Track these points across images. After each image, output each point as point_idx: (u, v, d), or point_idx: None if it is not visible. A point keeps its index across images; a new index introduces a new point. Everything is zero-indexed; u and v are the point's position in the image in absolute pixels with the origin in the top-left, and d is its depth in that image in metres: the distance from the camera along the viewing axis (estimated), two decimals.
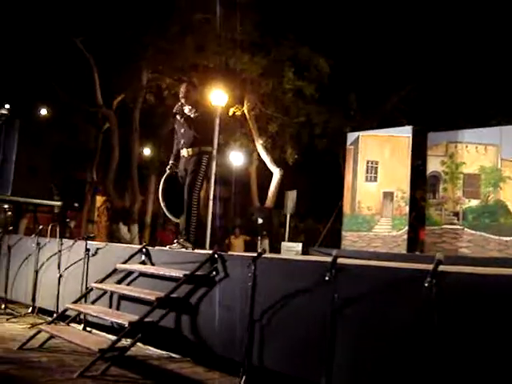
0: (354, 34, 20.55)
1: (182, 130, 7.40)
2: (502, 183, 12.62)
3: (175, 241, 7.34)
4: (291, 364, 4.78)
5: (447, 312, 3.67)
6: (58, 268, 7.81)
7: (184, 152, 7.37)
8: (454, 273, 3.96)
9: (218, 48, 18.48)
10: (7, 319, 7.90)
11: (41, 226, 9.17)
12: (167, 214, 7.51)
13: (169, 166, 7.61)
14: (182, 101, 7.42)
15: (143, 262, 6.88)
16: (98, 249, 7.66)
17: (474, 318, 3.69)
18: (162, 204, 7.42)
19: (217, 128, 16.27)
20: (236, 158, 23.94)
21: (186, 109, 7.33)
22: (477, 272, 4.30)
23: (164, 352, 6.20)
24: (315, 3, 20.24)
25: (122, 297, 6.61)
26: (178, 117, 7.47)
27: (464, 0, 19.27)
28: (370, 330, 4.24)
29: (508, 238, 12.25)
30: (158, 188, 7.57)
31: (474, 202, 13.00)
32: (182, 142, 7.41)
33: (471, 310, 3.72)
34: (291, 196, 18.61)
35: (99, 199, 25.78)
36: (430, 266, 3.73)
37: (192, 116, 7.26)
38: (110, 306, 6.79)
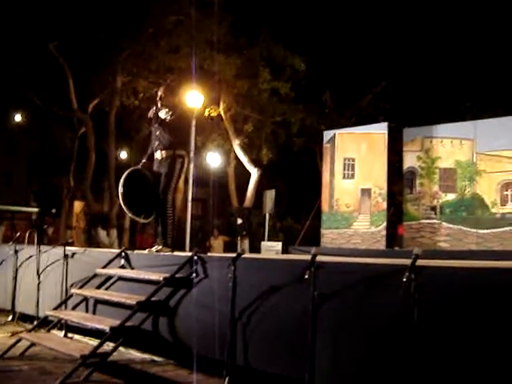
0: (326, 31, 20.65)
1: (157, 133, 7.37)
2: (477, 177, 12.74)
3: (154, 245, 7.31)
4: (274, 362, 4.79)
5: (426, 306, 3.69)
6: (37, 274, 7.75)
7: (158, 154, 7.34)
8: (432, 267, 4.00)
9: (192, 50, 18.43)
10: None
11: (18, 233, 9.09)
12: (127, 212, 7.34)
13: (139, 164, 7.53)
14: (159, 104, 7.40)
15: (123, 266, 6.85)
16: (76, 254, 7.61)
17: (453, 311, 3.73)
18: (122, 202, 7.19)
19: (193, 129, 16.25)
20: (213, 159, 23.93)
21: (163, 112, 7.32)
22: (455, 265, 4.34)
23: (147, 355, 6.18)
24: (288, 3, 20.29)
25: (103, 301, 6.58)
26: (153, 121, 7.45)
27: None
28: (351, 326, 4.26)
29: (485, 231, 12.38)
30: (120, 183, 7.30)
31: (451, 196, 13.12)
32: (156, 143, 7.38)
33: (450, 303, 3.76)
34: (270, 195, 18.66)
35: (77, 204, 25.63)
36: (409, 261, 3.77)
37: (168, 119, 7.25)
38: (92, 312, 6.75)
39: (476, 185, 12.75)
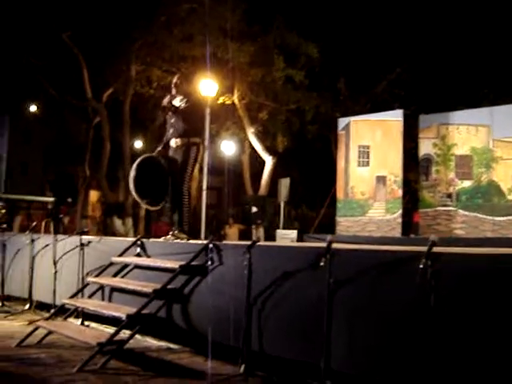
0: (341, 18, 20.52)
1: (172, 121, 7.37)
2: (493, 163, 12.64)
3: (169, 233, 7.32)
4: (290, 348, 4.80)
5: (442, 292, 3.68)
6: (54, 263, 7.80)
7: (173, 142, 7.32)
8: (449, 254, 3.98)
9: (206, 37, 18.41)
10: (5, 317, 7.89)
11: (34, 223, 9.15)
12: (135, 195, 7.28)
13: (155, 152, 7.52)
14: (173, 91, 7.40)
15: (138, 255, 6.88)
16: (92, 243, 7.65)
17: (469, 297, 3.71)
18: (132, 186, 7.15)
19: (207, 118, 16.24)
20: (228, 148, 23.93)
21: (177, 99, 7.32)
22: (471, 252, 4.31)
23: (163, 343, 6.21)
24: None
25: (119, 290, 6.61)
26: (167, 109, 7.44)
27: None
28: (367, 313, 4.26)
29: (501, 218, 12.30)
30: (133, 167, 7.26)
31: (467, 183, 13.03)
32: (170, 131, 7.37)
33: (466, 290, 3.74)
34: (284, 184, 18.63)
35: (93, 193, 25.76)
36: (425, 248, 3.75)
37: (182, 107, 7.25)
38: (108, 300, 6.79)
39: (492, 171, 12.65)
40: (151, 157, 7.46)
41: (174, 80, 7.54)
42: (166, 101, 7.51)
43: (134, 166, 7.21)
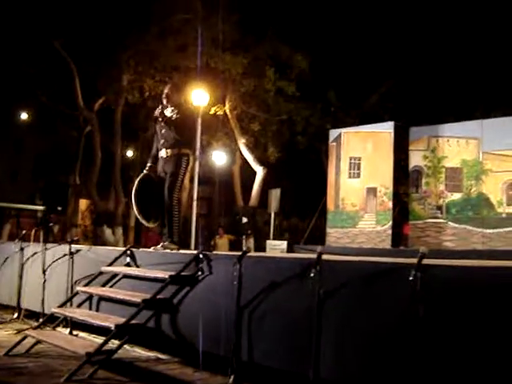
0: (332, 31, 20.62)
1: (163, 131, 7.37)
2: (483, 176, 12.71)
3: (160, 244, 7.31)
4: (279, 358, 4.79)
5: (432, 305, 3.70)
6: (43, 272, 7.76)
7: (163, 153, 7.33)
8: (438, 266, 3.99)
9: (199, 48, 18.45)
10: None
11: (24, 231, 9.11)
12: (139, 217, 7.44)
13: (146, 168, 7.57)
14: (164, 102, 7.41)
15: (128, 264, 6.86)
16: (82, 252, 7.62)
17: (459, 310, 3.72)
18: (135, 207, 7.37)
19: (199, 128, 16.26)
20: (219, 158, 23.95)
21: (168, 110, 7.33)
22: (461, 264, 4.33)
23: (152, 353, 6.18)
24: (294, 2, 20.27)
25: (108, 299, 6.58)
26: (159, 119, 7.44)
27: None
28: (356, 324, 4.26)
29: (491, 231, 12.35)
30: (133, 187, 7.47)
31: (457, 196, 13.10)
32: (161, 142, 7.38)
33: (456, 302, 3.75)
34: (275, 194, 18.65)
35: (83, 202, 25.68)
36: (415, 260, 3.77)
37: (173, 117, 7.25)
38: (96, 309, 6.76)
39: (482, 184, 12.72)
40: (145, 175, 7.51)
41: (166, 90, 7.55)
42: (157, 111, 7.53)
43: (134, 191, 7.36)
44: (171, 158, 7.28)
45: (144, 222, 7.45)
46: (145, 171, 7.56)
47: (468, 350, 3.61)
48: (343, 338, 4.32)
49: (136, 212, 7.39)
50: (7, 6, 18.44)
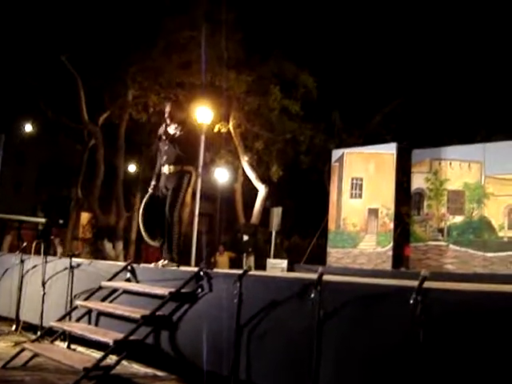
0: (338, 51, 20.71)
1: (166, 148, 7.40)
2: (485, 199, 12.72)
3: (160, 261, 7.31)
4: (278, 379, 4.77)
5: (432, 328, 3.68)
6: (43, 285, 7.75)
7: (165, 169, 7.37)
8: (439, 289, 3.98)
9: (204, 65, 18.54)
10: None
11: (25, 243, 9.12)
12: (145, 238, 7.49)
13: (151, 187, 7.60)
14: (167, 121, 7.44)
15: (128, 280, 6.85)
16: (82, 265, 7.62)
17: (459, 334, 3.71)
18: (141, 227, 7.43)
19: (202, 145, 16.29)
20: (221, 175, 23.96)
21: (171, 128, 7.36)
22: (462, 288, 4.32)
23: (149, 370, 6.16)
24: (300, 21, 20.39)
25: (107, 314, 6.57)
26: (163, 137, 7.48)
27: (446, 17, 19.46)
28: (356, 346, 4.24)
29: (492, 254, 12.33)
30: (141, 207, 7.59)
31: (459, 219, 13.09)
32: (164, 158, 7.40)
33: (456, 326, 3.74)
34: (276, 213, 18.64)
35: (84, 216, 25.69)
36: (415, 283, 3.76)
37: (176, 135, 7.29)
38: (95, 324, 6.75)
39: (484, 207, 12.72)
40: (150, 195, 7.58)
41: (167, 109, 7.58)
42: (161, 130, 7.57)
43: (141, 210, 7.48)
44: (174, 174, 7.31)
45: (150, 241, 7.49)
46: (150, 190, 7.58)
47: (468, 375, 3.60)
48: (343, 359, 4.30)
49: (142, 231, 7.43)
50: (16, 19, 18.58)
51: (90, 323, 6.78)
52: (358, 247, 14.51)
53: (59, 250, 19.07)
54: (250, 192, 22.42)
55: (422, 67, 20.42)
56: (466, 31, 19.33)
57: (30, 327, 8.18)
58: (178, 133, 7.32)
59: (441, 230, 13.33)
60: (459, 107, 20.35)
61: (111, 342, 5.50)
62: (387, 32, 20.43)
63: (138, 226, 7.62)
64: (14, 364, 6.03)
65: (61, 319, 6.85)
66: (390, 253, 13.93)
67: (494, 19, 18.48)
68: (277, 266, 16.24)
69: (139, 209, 7.62)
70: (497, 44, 18.73)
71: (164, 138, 7.44)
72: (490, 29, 18.68)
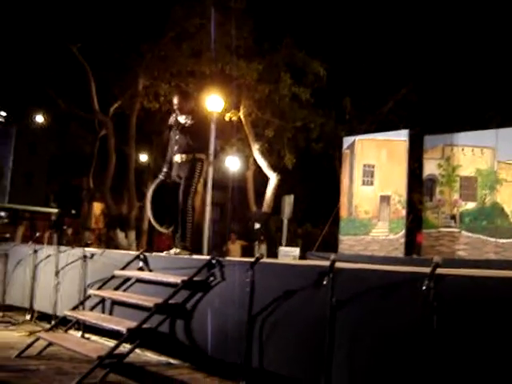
0: (348, 38, 20.61)
1: (177, 137, 7.42)
2: (498, 185, 12.62)
3: (173, 249, 7.32)
4: (290, 366, 4.78)
5: (445, 314, 3.67)
6: (56, 275, 7.80)
7: (177, 158, 7.38)
8: (452, 275, 3.97)
9: (214, 54, 18.49)
10: (5, 327, 7.88)
11: (38, 233, 9.17)
12: (153, 222, 7.53)
13: (162, 174, 7.62)
14: (177, 112, 7.46)
15: (141, 269, 6.88)
16: (95, 255, 7.65)
17: (472, 320, 3.70)
18: (149, 212, 7.47)
19: (213, 134, 16.27)
20: (232, 164, 23.94)
21: (182, 117, 7.36)
22: (474, 274, 4.30)
23: (163, 358, 6.19)
24: (310, 8, 20.29)
25: (120, 303, 6.60)
26: (174, 127, 7.50)
27: (459, 4, 19.29)
28: (368, 333, 4.24)
29: (504, 241, 12.26)
30: (149, 192, 7.64)
31: (471, 205, 13.01)
32: (176, 147, 7.42)
33: (469, 312, 3.73)
34: (288, 201, 18.62)
35: (96, 206, 25.79)
36: (428, 269, 3.74)
37: (187, 124, 7.29)
38: (109, 313, 6.78)
39: (496, 193, 12.64)
40: (160, 181, 7.63)
41: (175, 101, 7.58)
42: (171, 119, 7.58)
43: (149, 196, 7.57)
44: (186, 163, 7.32)
45: (157, 226, 7.53)
46: (160, 176, 7.61)
47: (481, 360, 3.59)
48: (356, 346, 4.30)
49: (150, 217, 7.48)
50: (27, 10, 18.60)
51: (103, 312, 6.82)
52: (369, 234, 14.46)
53: (69, 232, 19.22)
54: (262, 180, 22.41)
55: (434, 53, 20.28)
56: (479, 16, 19.17)
57: (43, 317, 8.24)
58: (188, 122, 7.32)
59: (453, 217, 13.25)
60: (471, 93, 20.20)
61: (125, 331, 5.53)
62: (398, 17, 20.29)
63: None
64: (29, 353, 6.08)
65: (74, 308, 6.90)
66: (402, 240, 13.87)
67: (508, 3, 18.28)
68: (289, 254, 16.22)
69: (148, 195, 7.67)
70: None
71: (175, 127, 7.45)
72: (505, 13, 18.48)
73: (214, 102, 17.15)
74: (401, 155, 14.15)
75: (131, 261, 6.99)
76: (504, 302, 3.59)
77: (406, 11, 20.11)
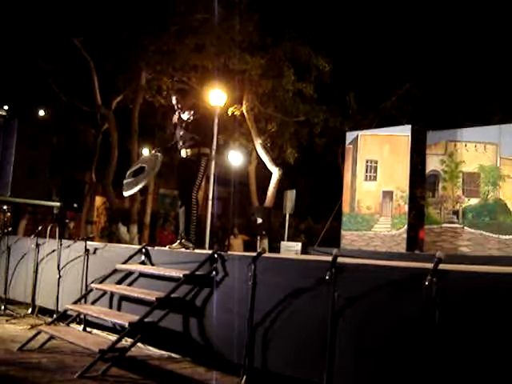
0: (352, 33, 20.57)
1: (182, 132, 7.44)
2: (501, 182, 12.61)
3: (177, 241, 7.32)
4: (291, 364, 4.77)
5: (448, 310, 3.66)
6: (58, 268, 7.80)
7: (183, 153, 7.41)
8: (455, 271, 3.96)
9: (218, 48, 18.44)
10: (7, 320, 7.88)
11: (40, 227, 9.16)
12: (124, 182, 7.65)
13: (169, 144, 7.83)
14: (179, 110, 7.50)
15: (143, 262, 6.88)
16: (97, 249, 7.65)
17: (475, 315, 3.69)
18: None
19: (216, 128, 16.24)
20: (235, 158, 23.91)
21: (185, 114, 7.40)
22: (477, 270, 4.30)
23: (164, 352, 6.19)
24: (314, 3, 20.24)
25: (122, 297, 6.60)
26: (177, 124, 7.54)
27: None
28: (371, 329, 4.23)
29: (507, 237, 12.25)
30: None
31: (474, 201, 13.00)
32: (180, 143, 7.45)
33: (471, 308, 3.72)
34: (290, 196, 18.59)
35: (98, 200, 25.78)
36: (431, 265, 3.74)
37: (190, 120, 7.33)
38: (110, 307, 6.79)
39: (499, 190, 12.62)
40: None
41: (174, 101, 7.63)
42: (175, 118, 7.64)
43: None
44: (191, 157, 7.34)
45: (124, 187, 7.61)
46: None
47: (483, 355, 3.58)
48: (358, 343, 4.29)
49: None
50: (29, 3, 18.56)
51: (105, 306, 6.82)
52: (372, 230, 14.46)
53: (71, 225, 19.18)
54: (264, 175, 22.38)
55: (437, 48, 20.23)
56: (482, 11, 19.12)
57: (45, 311, 8.25)
58: (191, 118, 7.36)
59: (456, 213, 13.24)
60: (474, 89, 20.15)
61: (126, 324, 5.53)
62: (402, 12, 20.24)
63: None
64: (31, 346, 6.09)
65: (76, 302, 6.90)
66: (405, 235, 13.87)
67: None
68: (291, 249, 16.21)
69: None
70: None
71: (179, 125, 7.49)
72: (507, 8, 18.42)
73: (216, 96, 17.12)
74: (404, 151, 14.13)
75: (133, 255, 6.99)
76: (507, 297, 3.58)
77: (409, 6, 20.06)
